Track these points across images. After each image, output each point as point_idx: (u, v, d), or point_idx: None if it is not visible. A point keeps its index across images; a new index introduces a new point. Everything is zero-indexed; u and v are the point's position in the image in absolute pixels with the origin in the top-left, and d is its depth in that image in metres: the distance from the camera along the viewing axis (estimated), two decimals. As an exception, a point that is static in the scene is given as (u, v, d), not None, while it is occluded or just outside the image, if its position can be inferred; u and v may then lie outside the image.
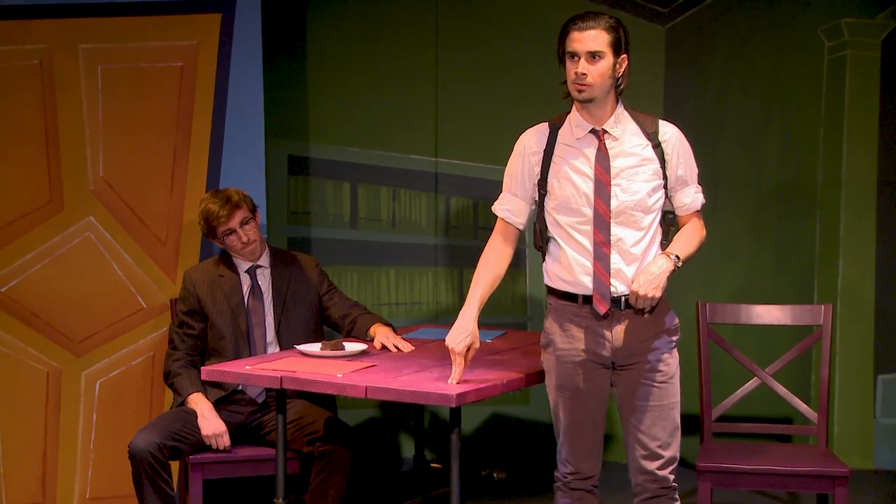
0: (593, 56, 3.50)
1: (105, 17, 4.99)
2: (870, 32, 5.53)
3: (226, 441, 4.37)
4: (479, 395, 3.62)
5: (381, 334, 4.41)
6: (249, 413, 4.52)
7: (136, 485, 4.25)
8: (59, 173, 4.98)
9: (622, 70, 3.56)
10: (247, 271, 4.58)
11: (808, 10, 5.54)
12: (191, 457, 4.34)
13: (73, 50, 4.97)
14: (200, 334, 4.56)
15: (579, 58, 3.51)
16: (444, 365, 3.86)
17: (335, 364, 3.99)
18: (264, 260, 4.61)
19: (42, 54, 4.97)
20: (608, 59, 3.51)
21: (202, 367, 4.16)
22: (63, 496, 4.97)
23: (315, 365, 3.97)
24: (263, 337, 4.54)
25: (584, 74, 3.51)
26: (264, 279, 4.59)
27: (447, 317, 5.65)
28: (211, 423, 4.36)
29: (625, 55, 3.55)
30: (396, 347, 4.31)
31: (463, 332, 3.61)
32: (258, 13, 5.08)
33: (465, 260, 5.79)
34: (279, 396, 4.02)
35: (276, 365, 3.98)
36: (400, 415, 5.78)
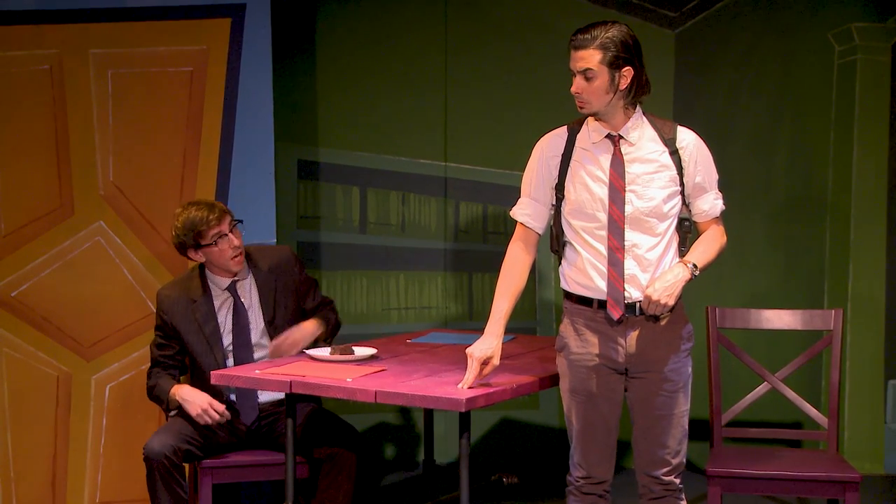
0: (586, 75, 3.50)
1: (115, 22, 5.00)
2: (880, 37, 5.52)
3: (218, 408, 4.29)
4: (488, 399, 3.61)
5: (294, 330, 4.37)
6: (258, 417, 4.51)
7: (150, 487, 4.24)
8: (69, 178, 4.99)
9: (626, 83, 3.52)
10: (226, 289, 4.45)
11: (817, 14, 5.53)
12: (201, 461, 4.34)
13: (84, 55, 4.98)
14: (181, 351, 4.48)
15: (576, 76, 3.52)
16: (454, 370, 3.86)
17: (345, 369, 3.99)
18: (242, 271, 4.46)
19: (52, 59, 4.98)
20: (603, 77, 3.50)
21: (212, 372, 4.12)
22: (73, 500, 4.97)
23: (324, 369, 3.97)
24: (251, 355, 4.42)
25: (579, 93, 3.53)
26: (247, 292, 4.47)
27: (456, 321, 5.65)
28: (196, 403, 4.29)
29: (628, 67, 3.51)
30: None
31: (486, 346, 3.62)
32: (268, 18, 5.09)
33: (474, 264, 5.78)
34: (289, 401, 4.02)
35: (285, 369, 3.98)
36: (410, 419, 5.78)
